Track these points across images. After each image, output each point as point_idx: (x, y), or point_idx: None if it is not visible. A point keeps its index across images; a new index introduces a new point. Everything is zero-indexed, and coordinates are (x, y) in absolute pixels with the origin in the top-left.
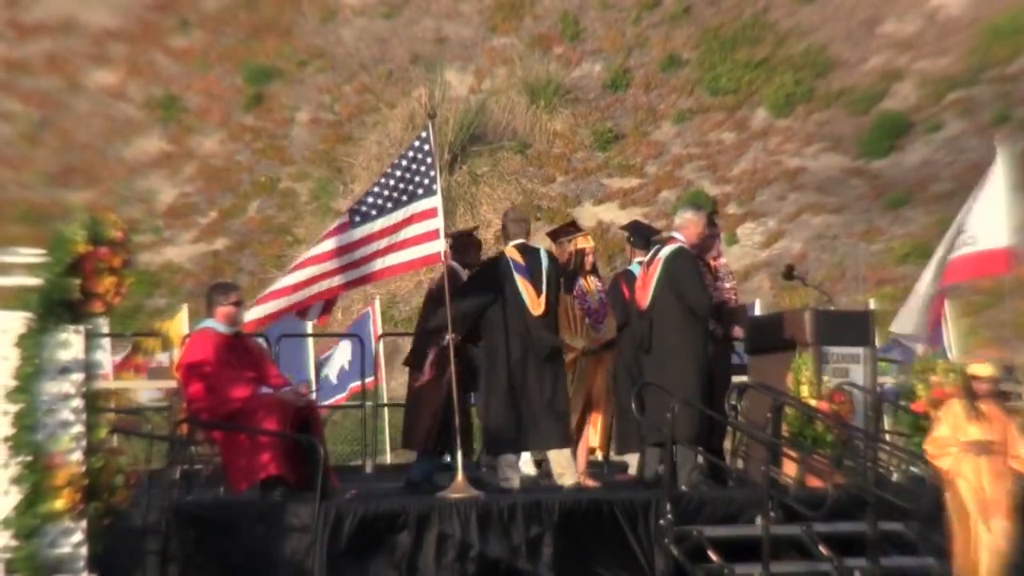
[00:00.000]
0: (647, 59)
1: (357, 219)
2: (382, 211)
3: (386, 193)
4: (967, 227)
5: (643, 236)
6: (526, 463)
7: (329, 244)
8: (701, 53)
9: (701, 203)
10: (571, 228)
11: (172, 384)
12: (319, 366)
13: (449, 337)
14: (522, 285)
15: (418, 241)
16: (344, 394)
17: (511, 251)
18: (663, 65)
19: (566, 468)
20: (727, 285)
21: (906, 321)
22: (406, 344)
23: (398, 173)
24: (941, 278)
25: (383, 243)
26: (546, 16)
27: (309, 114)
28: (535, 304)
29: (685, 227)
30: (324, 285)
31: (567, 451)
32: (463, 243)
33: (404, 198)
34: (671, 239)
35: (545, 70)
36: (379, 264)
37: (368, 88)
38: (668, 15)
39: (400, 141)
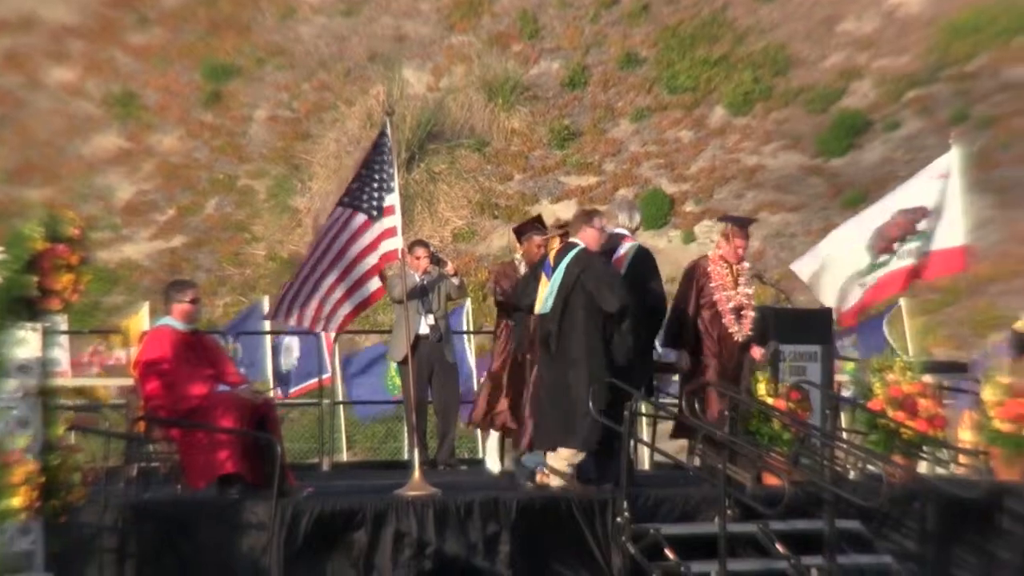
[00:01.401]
0: (605, 57)
1: (375, 213)
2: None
3: (357, 194)
4: (923, 227)
5: None
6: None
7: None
8: (659, 51)
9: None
10: (535, 225)
11: (129, 381)
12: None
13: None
14: (541, 282)
15: (378, 243)
16: (295, 390)
17: (554, 247)
18: (621, 63)
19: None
20: (748, 291)
21: (808, 266)
22: (364, 341)
23: (362, 172)
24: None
25: (358, 248)
26: (504, 14)
27: (267, 112)
28: (539, 301)
29: (637, 228)
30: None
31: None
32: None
33: (366, 199)
34: (626, 237)
35: (503, 68)
36: (356, 272)
37: (326, 86)
38: (626, 13)
39: (358, 139)
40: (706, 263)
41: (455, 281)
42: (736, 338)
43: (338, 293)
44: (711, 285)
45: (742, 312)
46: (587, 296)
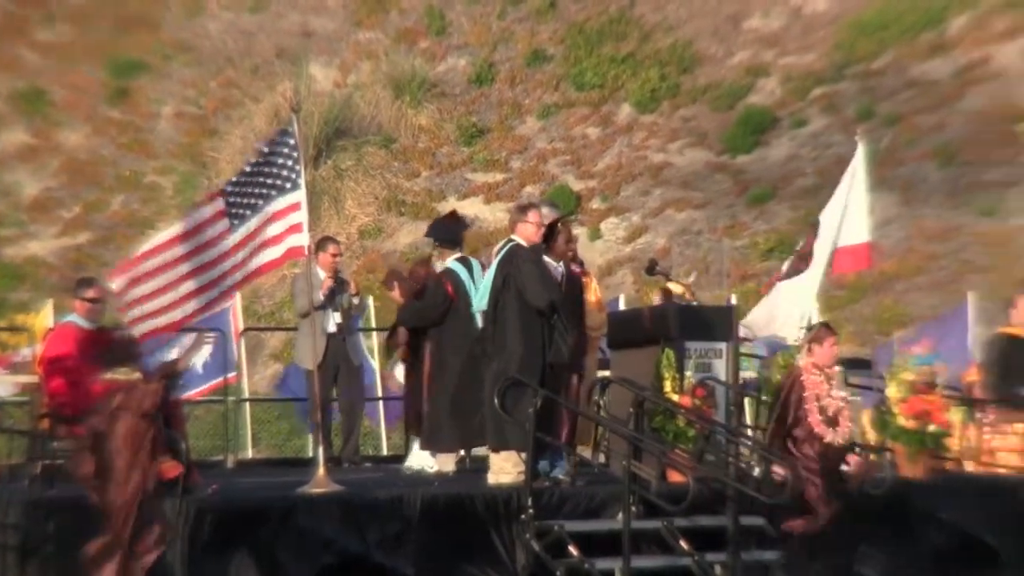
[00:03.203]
0: (512, 54)
1: (236, 222)
2: (253, 209)
3: (253, 191)
4: (827, 222)
5: (452, 233)
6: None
7: (206, 247)
8: (566, 48)
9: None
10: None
11: (33, 379)
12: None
13: None
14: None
15: (282, 237)
16: (201, 389)
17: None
18: (528, 60)
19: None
20: (842, 394)
21: (760, 318)
22: (270, 339)
23: (265, 169)
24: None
25: (253, 244)
26: (411, 10)
27: (174, 108)
28: (476, 298)
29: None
30: (206, 297)
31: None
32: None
33: (272, 192)
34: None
35: (410, 64)
36: (251, 265)
37: (233, 82)
38: (533, 10)
39: (265, 135)
40: (799, 373)
41: (355, 301)
42: (835, 443)
43: (192, 285)
44: (804, 395)
45: (838, 416)
46: (518, 292)
